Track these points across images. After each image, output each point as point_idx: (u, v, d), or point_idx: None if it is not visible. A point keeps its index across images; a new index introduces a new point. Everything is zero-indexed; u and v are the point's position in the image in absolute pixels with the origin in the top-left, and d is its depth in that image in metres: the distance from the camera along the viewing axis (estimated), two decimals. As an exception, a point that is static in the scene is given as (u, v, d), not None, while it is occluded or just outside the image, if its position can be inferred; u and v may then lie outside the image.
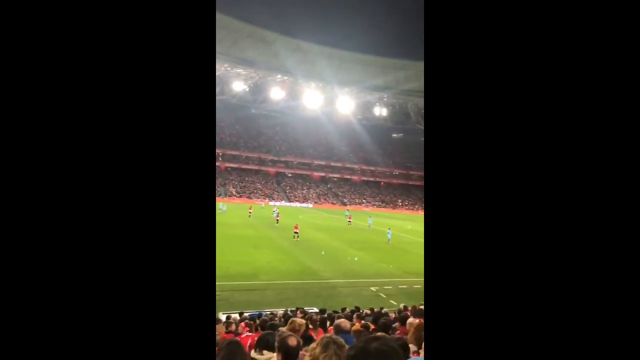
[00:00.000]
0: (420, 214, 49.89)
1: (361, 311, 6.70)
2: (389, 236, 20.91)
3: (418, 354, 2.48)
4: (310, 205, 46.50)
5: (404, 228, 27.26)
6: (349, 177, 57.37)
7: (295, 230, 19.39)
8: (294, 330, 2.92)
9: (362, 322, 5.33)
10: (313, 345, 1.60)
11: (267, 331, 3.28)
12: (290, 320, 3.32)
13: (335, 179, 56.83)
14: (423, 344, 1.95)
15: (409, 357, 2.52)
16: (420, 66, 47.48)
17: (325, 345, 1.51)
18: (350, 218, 29.67)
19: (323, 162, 56.82)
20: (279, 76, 47.19)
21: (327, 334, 1.90)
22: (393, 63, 46.86)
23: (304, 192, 50.72)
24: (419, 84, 49.60)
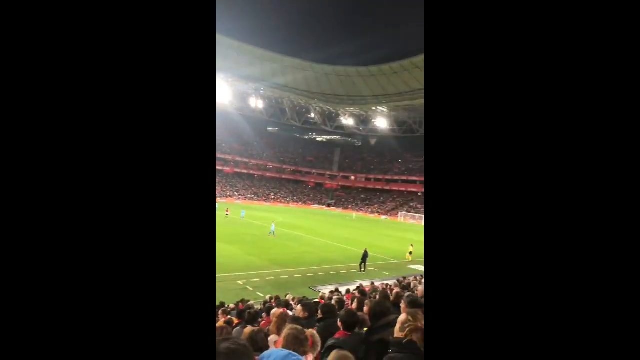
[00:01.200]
0: (291, 206, 52.05)
1: (226, 306, 6.54)
2: (273, 229, 21.27)
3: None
4: (176, 197, 42.67)
5: (275, 220, 27.96)
6: (220, 168, 55.18)
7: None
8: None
9: (227, 317, 5.19)
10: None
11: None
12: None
13: (206, 170, 53.63)
14: (283, 332, 2.00)
15: (267, 347, 2.56)
16: (291, 61, 49.07)
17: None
18: (227, 211, 29.08)
19: (193, 151, 52.80)
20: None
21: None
22: (270, 56, 47.08)
23: (169, 182, 46.09)
24: (293, 78, 51.30)
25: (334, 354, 1.58)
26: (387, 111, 55.26)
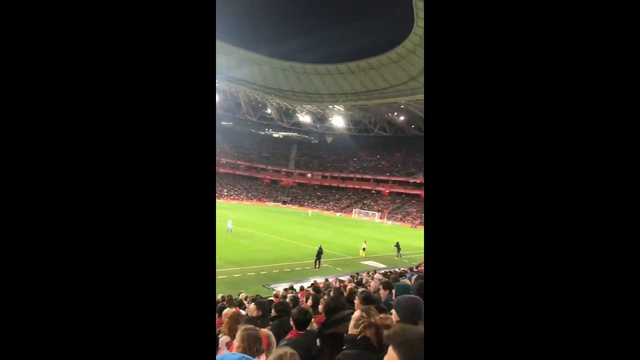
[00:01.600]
0: (245, 203, 50.98)
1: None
2: (229, 226, 20.64)
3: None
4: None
5: (229, 217, 27.23)
6: (171, 162, 52.33)
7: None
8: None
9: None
10: None
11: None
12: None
13: (154, 164, 50.64)
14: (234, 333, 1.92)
15: (217, 348, 2.46)
16: (247, 55, 47.97)
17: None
18: None
19: (139, 144, 49.56)
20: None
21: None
22: (224, 48, 45.51)
23: (112, 176, 42.84)
24: (249, 72, 50.16)
25: (271, 355, 1.56)
26: (343, 110, 56.15)
